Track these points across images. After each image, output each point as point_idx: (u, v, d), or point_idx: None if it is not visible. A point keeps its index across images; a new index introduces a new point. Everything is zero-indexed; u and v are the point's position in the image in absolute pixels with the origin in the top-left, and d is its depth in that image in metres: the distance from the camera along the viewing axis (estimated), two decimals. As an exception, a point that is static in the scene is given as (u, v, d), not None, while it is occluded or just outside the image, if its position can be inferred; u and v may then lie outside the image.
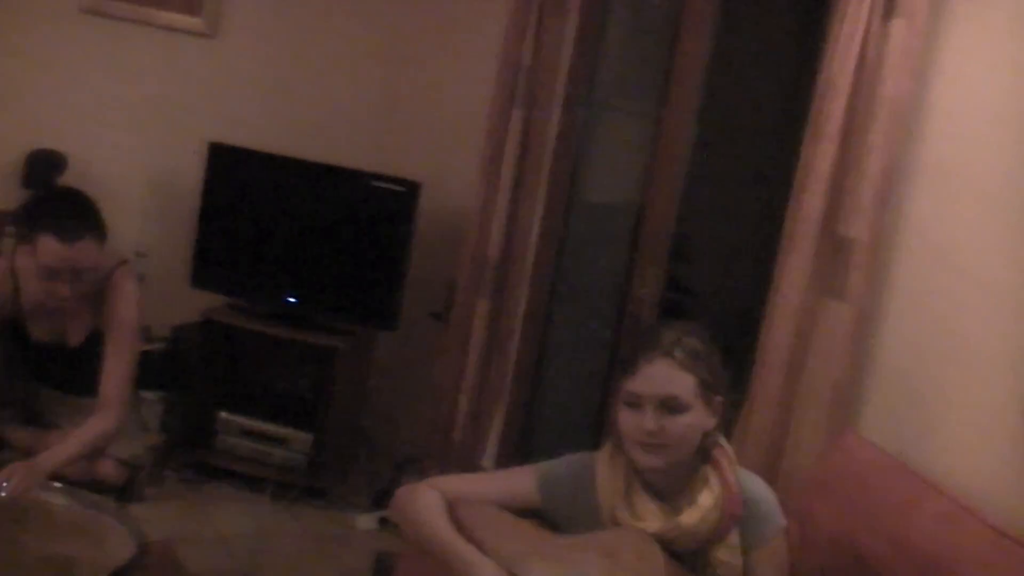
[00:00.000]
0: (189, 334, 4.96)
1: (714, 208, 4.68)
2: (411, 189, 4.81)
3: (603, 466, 2.75)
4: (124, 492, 3.75)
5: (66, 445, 3.61)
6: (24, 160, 4.92)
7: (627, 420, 2.65)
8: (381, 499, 4.81)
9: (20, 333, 3.89)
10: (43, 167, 4.91)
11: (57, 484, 3.34)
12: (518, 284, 4.54)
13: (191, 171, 5.03)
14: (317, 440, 4.85)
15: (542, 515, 2.80)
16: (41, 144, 4.98)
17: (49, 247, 3.55)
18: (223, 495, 4.80)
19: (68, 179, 4.83)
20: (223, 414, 4.92)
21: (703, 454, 2.69)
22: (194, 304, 4.99)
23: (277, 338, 4.88)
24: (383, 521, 4.70)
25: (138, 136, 5.27)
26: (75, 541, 3.06)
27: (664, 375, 2.61)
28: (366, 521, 4.71)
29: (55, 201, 3.78)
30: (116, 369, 3.79)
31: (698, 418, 2.63)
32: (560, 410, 4.87)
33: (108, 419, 3.73)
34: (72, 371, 3.94)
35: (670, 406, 2.60)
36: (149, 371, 4.29)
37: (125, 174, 5.23)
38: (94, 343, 3.84)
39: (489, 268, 4.50)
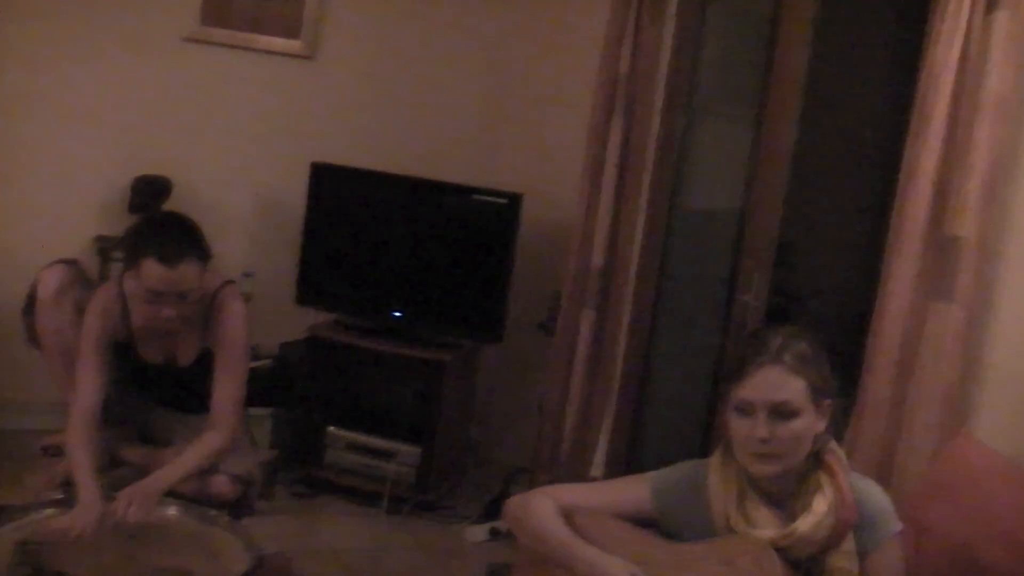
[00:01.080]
0: (296, 351, 5.02)
1: (818, 210, 4.64)
2: (513, 201, 4.82)
3: (715, 473, 2.74)
4: (237, 507, 3.81)
5: (179, 464, 3.68)
6: (130, 186, 5.00)
7: (739, 427, 2.63)
8: (491, 511, 4.82)
9: (132, 355, 3.97)
10: (148, 193, 4.98)
11: (172, 500, 3.40)
12: (622, 293, 4.53)
13: (295, 191, 5.09)
14: (425, 453, 4.86)
15: (656, 524, 2.79)
16: (146, 170, 5.05)
17: (152, 270, 3.62)
18: (334, 509, 4.83)
19: (173, 204, 4.90)
20: (332, 429, 4.95)
21: (815, 459, 2.66)
22: (301, 321, 5.05)
23: (383, 353, 4.91)
24: (493, 532, 4.70)
25: (241, 159, 5.33)
26: (191, 555, 3.12)
27: (774, 381, 2.59)
28: (476, 533, 4.72)
29: (158, 225, 3.85)
30: (226, 387, 3.85)
31: (809, 422, 2.61)
32: (667, 418, 4.84)
33: (219, 436, 3.79)
34: (183, 390, 4.01)
35: (781, 412, 2.58)
36: (258, 388, 4.35)
37: (230, 196, 5.30)
38: (204, 362, 3.90)
39: (593, 278, 4.50)
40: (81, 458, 3.62)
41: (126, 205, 4.99)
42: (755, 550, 2.55)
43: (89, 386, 3.79)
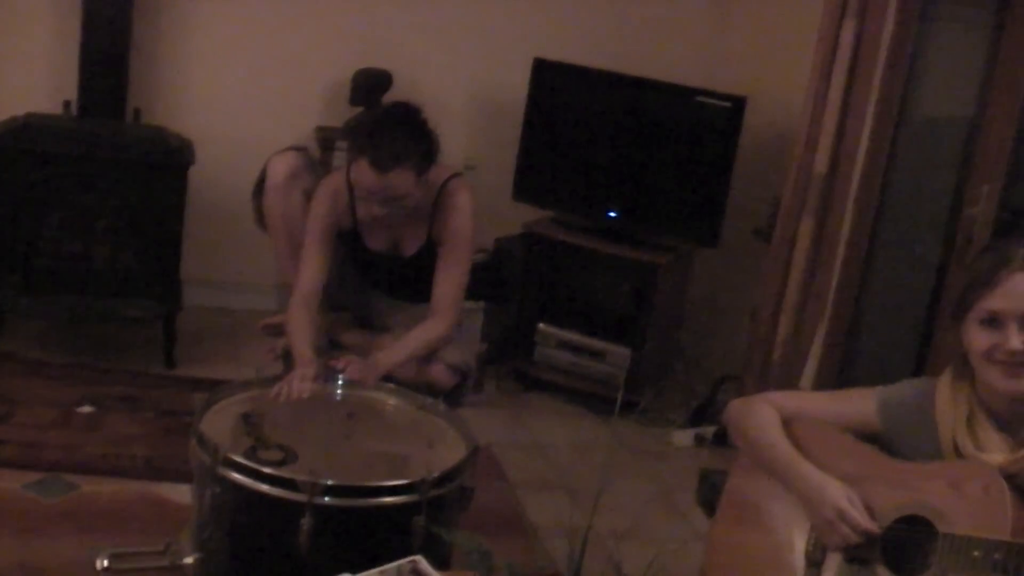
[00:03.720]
0: (511, 246, 5.05)
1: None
2: (736, 104, 4.74)
3: (944, 393, 2.63)
4: (452, 396, 3.85)
5: (402, 345, 3.75)
6: (351, 79, 5.06)
7: (983, 339, 2.50)
8: (697, 416, 4.81)
9: (357, 243, 4.03)
10: (369, 85, 5.03)
11: (390, 385, 3.46)
12: (844, 202, 4.42)
13: (515, 86, 5.09)
14: (635, 355, 4.86)
15: (879, 440, 2.72)
16: (367, 63, 5.10)
17: (363, 172, 3.67)
18: (541, 405, 4.89)
19: (393, 97, 4.92)
20: (542, 326, 4.99)
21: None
22: (517, 217, 5.09)
23: (597, 252, 4.91)
24: (699, 438, 4.70)
25: (463, 53, 5.34)
26: (407, 440, 3.17)
27: None
28: (682, 437, 4.72)
29: (382, 122, 3.84)
30: (450, 277, 3.89)
31: None
32: (882, 332, 4.73)
33: (441, 325, 3.84)
34: (406, 279, 4.06)
35: None
36: (471, 281, 4.38)
37: (450, 90, 5.31)
38: (428, 253, 3.94)
39: (815, 184, 4.40)
40: (300, 335, 3.70)
41: (347, 97, 5.05)
42: (985, 476, 2.45)
43: (312, 269, 3.87)
